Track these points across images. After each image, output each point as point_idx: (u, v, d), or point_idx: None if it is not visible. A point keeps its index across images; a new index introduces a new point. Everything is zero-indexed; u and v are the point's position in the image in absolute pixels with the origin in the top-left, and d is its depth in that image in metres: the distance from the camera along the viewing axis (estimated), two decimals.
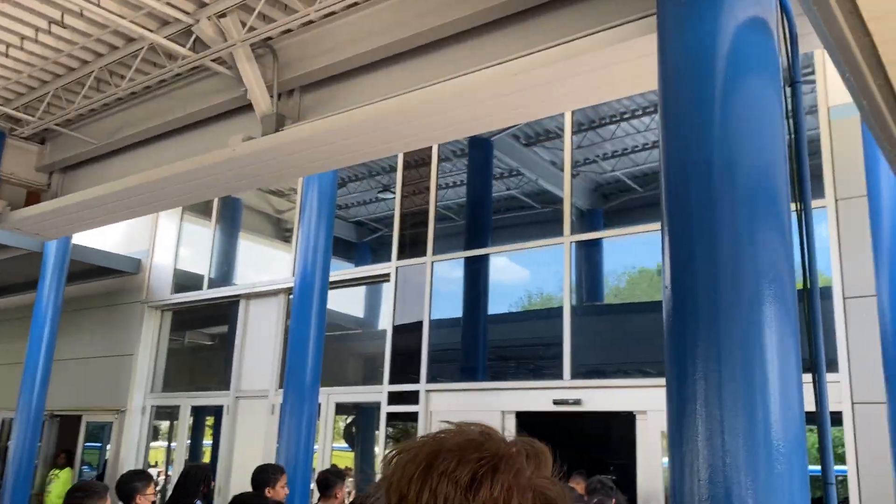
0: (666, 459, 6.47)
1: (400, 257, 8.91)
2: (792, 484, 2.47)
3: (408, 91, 4.53)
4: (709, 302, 2.61)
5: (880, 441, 5.20)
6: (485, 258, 8.44)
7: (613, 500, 5.43)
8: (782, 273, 2.63)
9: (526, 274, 8.63)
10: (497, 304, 8.47)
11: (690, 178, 2.81)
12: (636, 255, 7.70)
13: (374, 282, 9.32)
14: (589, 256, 7.89)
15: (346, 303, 10.22)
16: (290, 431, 6.84)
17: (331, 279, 8.52)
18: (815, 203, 3.58)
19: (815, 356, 3.04)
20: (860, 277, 5.74)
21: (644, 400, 6.62)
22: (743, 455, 2.41)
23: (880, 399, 5.21)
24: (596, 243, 7.87)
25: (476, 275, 8.49)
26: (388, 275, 8.95)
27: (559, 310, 7.49)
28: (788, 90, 3.19)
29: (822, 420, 2.95)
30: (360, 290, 10.10)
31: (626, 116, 8.47)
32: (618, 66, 3.92)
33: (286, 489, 4.95)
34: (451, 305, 9.00)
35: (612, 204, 8.60)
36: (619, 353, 7.14)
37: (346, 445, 11.54)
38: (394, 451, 0.91)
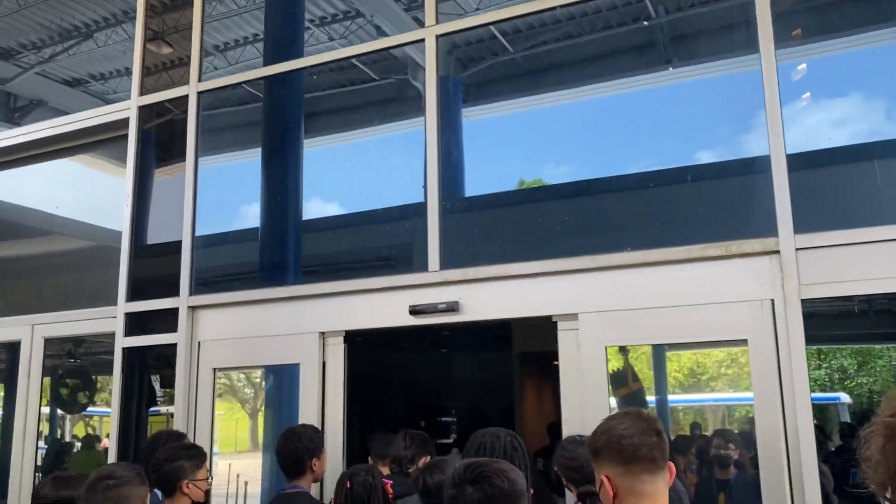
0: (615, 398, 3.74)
1: (145, 93, 5.37)
2: None
3: None
4: None
5: None
6: (294, 83, 5.17)
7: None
8: None
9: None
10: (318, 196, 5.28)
11: None
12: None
13: (99, 140, 5.69)
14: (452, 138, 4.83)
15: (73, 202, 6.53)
16: None
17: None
18: None
19: None
20: None
21: (573, 295, 3.81)
22: None
23: None
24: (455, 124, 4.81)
25: (281, 105, 5.23)
26: (123, 122, 5.39)
27: (419, 206, 4.48)
28: None
29: None
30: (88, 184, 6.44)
31: None
32: None
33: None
34: (232, 180, 5.70)
35: (472, 70, 5.62)
36: (518, 232, 4.23)
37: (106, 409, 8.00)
38: None
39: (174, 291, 4.95)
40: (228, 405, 5.68)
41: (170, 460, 3.24)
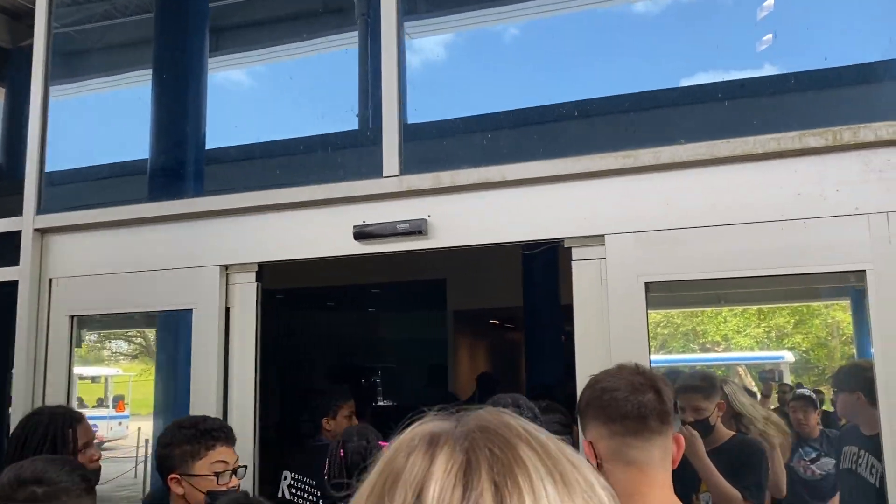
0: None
1: None
2: None
3: None
4: None
5: None
6: None
7: None
8: None
9: None
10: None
11: None
12: None
13: None
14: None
15: None
16: None
17: None
18: None
19: None
20: None
21: (597, 208, 2.65)
22: None
23: None
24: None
25: None
26: None
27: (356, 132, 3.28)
28: None
29: None
30: None
31: None
32: None
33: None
34: (118, 105, 4.49)
35: None
36: (515, 122, 3.03)
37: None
38: None
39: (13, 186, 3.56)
40: (144, 366, 5.29)
41: (161, 445, 2.31)
